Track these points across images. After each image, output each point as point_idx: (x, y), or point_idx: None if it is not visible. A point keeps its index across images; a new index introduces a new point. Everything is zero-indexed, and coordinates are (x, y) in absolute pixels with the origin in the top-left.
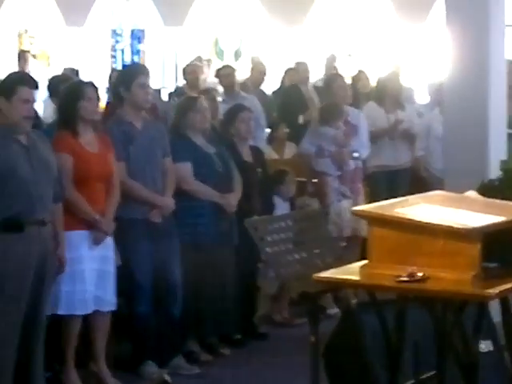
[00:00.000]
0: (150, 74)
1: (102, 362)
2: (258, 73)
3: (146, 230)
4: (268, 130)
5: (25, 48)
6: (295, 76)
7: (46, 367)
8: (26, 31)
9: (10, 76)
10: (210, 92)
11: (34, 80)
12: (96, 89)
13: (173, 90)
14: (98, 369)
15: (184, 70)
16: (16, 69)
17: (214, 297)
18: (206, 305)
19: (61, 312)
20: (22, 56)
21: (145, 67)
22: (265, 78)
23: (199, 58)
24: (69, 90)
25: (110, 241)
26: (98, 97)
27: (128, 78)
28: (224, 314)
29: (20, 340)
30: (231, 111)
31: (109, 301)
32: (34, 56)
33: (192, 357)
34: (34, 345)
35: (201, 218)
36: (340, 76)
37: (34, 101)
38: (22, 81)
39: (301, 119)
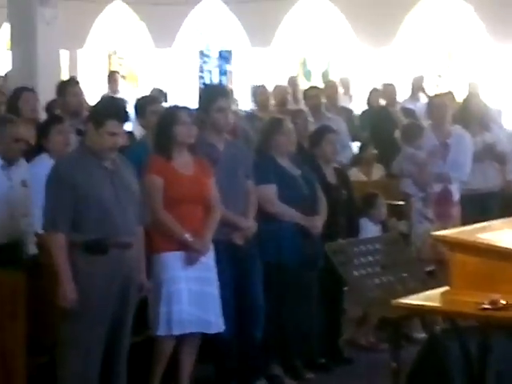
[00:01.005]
0: (232, 95)
1: (185, 383)
2: (331, 90)
3: (228, 251)
4: (355, 150)
5: (114, 69)
6: (380, 96)
7: None
8: (115, 52)
9: (103, 104)
10: (301, 113)
11: (125, 112)
12: (191, 113)
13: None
14: None
15: (254, 92)
16: (106, 89)
17: (298, 320)
18: (290, 328)
19: (160, 333)
20: (112, 77)
21: (224, 89)
22: (337, 96)
23: (292, 79)
24: (164, 115)
25: (209, 261)
26: (193, 121)
27: (207, 102)
28: (308, 338)
29: (103, 361)
30: (317, 132)
31: (214, 322)
32: (122, 77)
33: (275, 381)
34: (117, 365)
35: (285, 240)
36: (442, 95)
37: (121, 133)
38: (111, 114)
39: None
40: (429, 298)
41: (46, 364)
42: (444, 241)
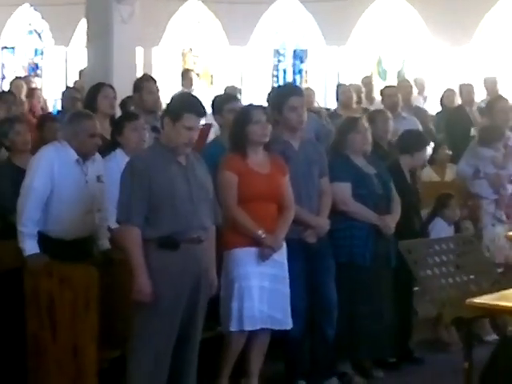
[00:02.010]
0: (305, 93)
1: (254, 379)
2: (405, 90)
3: (300, 249)
4: (429, 151)
5: (189, 67)
6: (455, 97)
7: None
8: (191, 50)
9: (181, 99)
10: (383, 113)
11: (203, 107)
12: (266, 111)
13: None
14: None
15: (337, 90)
16: (180, 88)
17: (369, 319)
18: (361, 327)
19: (232, 328)
20: (187, 75)
21: (297, 88)
22: (412, 96)
23: (368, 78)
24: (239, 114)
25: (282, 259)
26: (268, 119)
27: (279, 100)
28: (379, 337)
29: (174, 357)
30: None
31: (281, 320)
32: (197, 75)
33: (345, 379)
34: (187, 363)
35: (357, 239)
36: (503, 99)
37: (198, 128)
38: (190, 107)
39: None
40: (503, 297)
41: (118, 358)
42: None
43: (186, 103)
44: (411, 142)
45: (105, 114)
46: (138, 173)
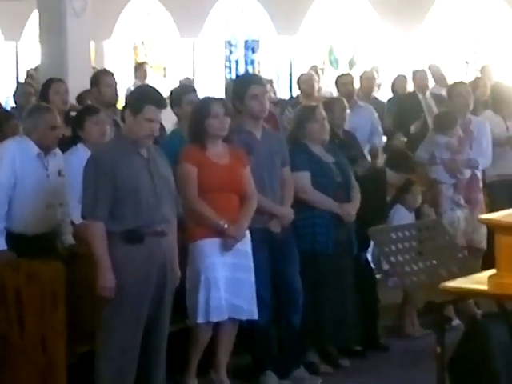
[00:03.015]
0: (265, 83)
1: (223, 371)
2: (368, 82)
3: (265, 239)
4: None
5: (141, 60)
6: (405, 83)
7: (166, 377)
8: (142, 43)
9: (141, 91)
10: (340, 102)
11: (163, 99)
12: (224, 104)
13: (287, 100)
14: (219, 378)
15: (299, 79)
16: (133, 81)
17: (333, 307)
18: (326, 315)
19: (200, 321)
20: (141, 68)
21: (258, 76)
22: (374, 87)
23: (314, 68)
24: (197, 108)
25: (246, 249)
26: (227, 111)
27: (240, 90)
28: (344, 325)
29: (142, 350)
30: None
31: (247, 309)
32: (149, 67)
33: (311, 368)
34: (156, 355)
35: (319, 227)
36: (462, 83)
37: (159, 120)
38: (150, 99)
39: (412, 128)
40: (476, 281)
41: (87, 353)
42: (491, 224)
43: (145, 95)
44: None
45: (58, 109)
46: (101, 167)
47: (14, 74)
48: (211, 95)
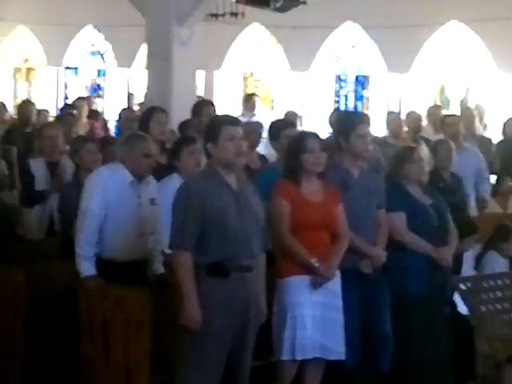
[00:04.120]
0: (371, 122)
1: None
2: (467, 120)
3: (355, 279)
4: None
5: (250, 91)
6: None
7: None
8: (252, 74)
9: (211, 121)
10: (446, 143)
11: (235, 118)
12: (319, 140)
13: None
14: None
15: (387, 118)
16: (240, 111)
17: (426, 352)
18: (416, 360)
19: (284, 358)
20: (250, 99)
21: (365, 116)
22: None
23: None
24: (293, 142)
25: (336, 288)
26: (323, 147)
27: (347, 127)
28: (435, 372)
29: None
30: None
31: (334, 349)
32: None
33: None
34: None
35: (412, 270)
36: None
37: (240, 137)
38: (222, 121)
39: None
40: None
41: (169, 383)
42: None
43: (216, 121)
44: None
45: (156, 139)
46: (190, 198)
47: (125, 100)
48: (308, 131)
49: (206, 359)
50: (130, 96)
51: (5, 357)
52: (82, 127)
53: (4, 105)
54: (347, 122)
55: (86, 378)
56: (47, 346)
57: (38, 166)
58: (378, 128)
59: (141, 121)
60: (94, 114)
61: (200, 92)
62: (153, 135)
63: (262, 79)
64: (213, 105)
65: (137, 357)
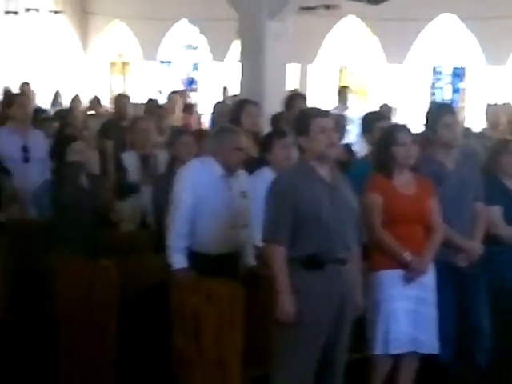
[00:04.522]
0: (459, 112)
1: None
2: None
3: (450, 273)
4: None
5: (344, 84)
6: None
7: None
8: (346, 67)
9: (299, 114)
10: None
11: (324, 110)
12: (410, 132)
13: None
14: None
15: (486, 110)
16: (335, 104)
17: None
18: None
19: (378, 352)
20: (343, 92)
21: (451, 106)
22: None
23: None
24: (383, 136)
25: (430, 282)
26: (414, 139)
27: (433, 119)
28: None
29: (318, 378)
30: None
31: (428, 343)
32: (352, 91)
33: None
34: (333, 383)
35: (509, 264)
36: None
37: (331, 129)
38: (312, 114)
39: None
40: None
41: (261, 377)
42: None
43: (305, 114)
44: None
45: (248, 131)
46: (283, 191)
47: (220, 94)
48: (399, 123)
49: (300, 353)
50: (224, 90)
51: (98, 350)
52: (176, 121)
53: (98, 99)
54: (433, 113)
55: (179, 371)
56: (140, 340)
57: (130, 159)
58: (475, 120)
59: (232, 113)
60: (189, 108)
61: (295, 85)
62: (244, 128)
63: (356, 72)
64: (304, 98)
65: (229, 351)
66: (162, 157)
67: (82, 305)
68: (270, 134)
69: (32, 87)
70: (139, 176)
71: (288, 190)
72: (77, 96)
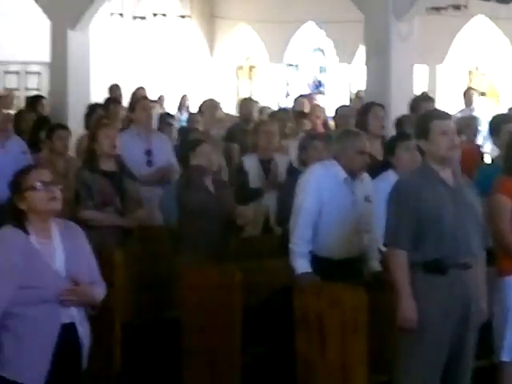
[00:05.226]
0: None
1: None
2: None
3: None
4: None
5: (474, 85)
6: None
7: None
8: (477, 68)
9: (420, 117)
10: None
11: (445, 112)
12: None
13: None
14: None
15: None
16: (463, 106)
17: None
18: None
19: (504, 359)
20: (467, 93)
21: None
22: None
23: None
24: (510, 139)
25: None
26: None
27: None
28: None
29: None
30: None
31: None
32: (482, 93)
33: None
34: None
35: None
36: None
37: (452, 131)
38: (431, 116)
39: None
40: None
41: (385, 383)
42: None
43: (426, 116)
44: None
45: (375, 134)
46: (405, 195)
47: (347, 97)
48: None
49: (424, 360)
50: (352, 93)
51: (223, 354)
52: (304, 125)
53: (215, 104)
54: None
55: (302, 376)
56: (264, 344)
57: (251, 163)
58: None
59: (358, 116)
60: (316, 111)
61: (423, 87)
62: (372, 130)
63: (487, 73)
64: (431, 100)
65: (353, 355)
66: (282, 161)
67: (207, 309)
68: (393, 137)
69: (158, 92)
70: (259, 180)
71: (410, 194)
72: (209, 100)
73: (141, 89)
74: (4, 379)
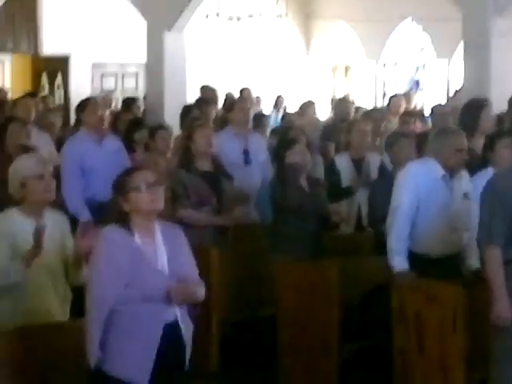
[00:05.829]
0: None
1: None
2: None
3: None
4: None
5: None
6: None
7: None
8: None
9: None
10: None
11: None
12: None
13: None
14: None
15: None
16: None
17: None
18: None
19: None
20: None
21: None
22: None
23: None
24: None
25: None
26: None
27: None
28: None
29: None
30: None
31: None
32: None
33: None
34: None
35: None
36: None
37: None
38: None
39: None
40: None
41: (485, 381)
42: None
43: None
44: None
45: (484, 132)
46: (497, 192)
47: (445, 94)
48: None
49: None
50: (450, 90)
51: (320, 351)
52: (395, 123)
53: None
54: None
55: (400, 372)
56: (361, 341)
57: (343, 163)
58: None
59: (467, 112)
60: (411, 110)
61: None
62: (481, 128)
63: None
64: None
65: (452, 353)
66: (374, 161)
67: (304, 306)
68: (493, 133)
69: (253, 93)
70: (351, 179)
71: (503, 191)
72: (309, 102)
73: (246, 89)
74: (109, 376)
